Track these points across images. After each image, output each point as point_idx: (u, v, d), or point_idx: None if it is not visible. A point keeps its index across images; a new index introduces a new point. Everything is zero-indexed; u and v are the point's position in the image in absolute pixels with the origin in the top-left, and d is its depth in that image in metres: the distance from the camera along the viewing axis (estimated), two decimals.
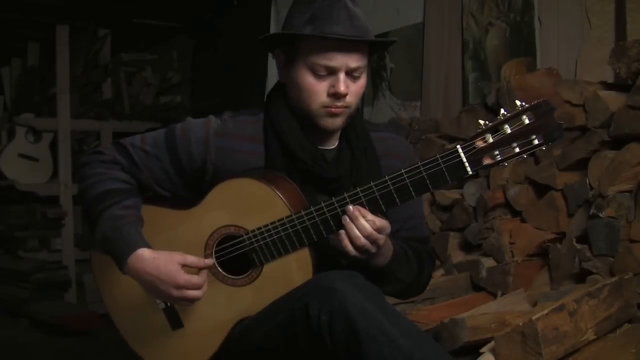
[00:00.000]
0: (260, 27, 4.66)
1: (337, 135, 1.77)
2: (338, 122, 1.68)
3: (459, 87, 3.43)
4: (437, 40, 3.55)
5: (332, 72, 1.63)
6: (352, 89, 1.65)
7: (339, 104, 1.65)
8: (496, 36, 3.24)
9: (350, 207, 1.55)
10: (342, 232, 1.56)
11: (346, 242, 1.56)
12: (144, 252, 1.63)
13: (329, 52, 1.61)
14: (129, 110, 5.71)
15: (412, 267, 1.75)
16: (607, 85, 2.50)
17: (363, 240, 1.54)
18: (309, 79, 1.65)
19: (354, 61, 1.63)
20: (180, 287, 1.60)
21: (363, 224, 1.54)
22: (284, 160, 1.70)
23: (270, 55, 3.95)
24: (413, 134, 3.20)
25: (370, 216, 1.54)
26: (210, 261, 1.66)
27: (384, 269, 1.66)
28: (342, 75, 1.63)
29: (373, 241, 1.56)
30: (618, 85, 2.45)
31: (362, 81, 1.68)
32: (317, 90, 1.65)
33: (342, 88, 1.62)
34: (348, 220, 1.55)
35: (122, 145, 1.79)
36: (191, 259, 1.63)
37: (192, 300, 1.64)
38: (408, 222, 1.83)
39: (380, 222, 1.55)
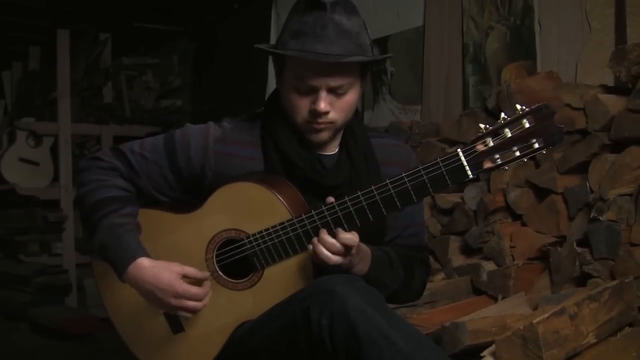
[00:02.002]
0: (261, 31, 4.67)
1: (337, 141, 1.76)
2: (323, 136, 1.68)
3: (460, 90, 3.43)
4: (437, 44, 3.56)
5: (312, 90, 1.61)
6: (336, 105, 1.63)
7: (320, 120, 1.63)
8: (496, 40, 3.25)
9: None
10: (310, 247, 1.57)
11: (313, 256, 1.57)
12: (144, 261, 1.63)
13: (308, 71, 1.59)
14: (130, 114, 5.72)
15: (398, 273, 1.74)
16: (607, 89, 2.51)
17: (335, 259, 1.54)
18: (292, 95, 1.64)
19: (334, 80, 1.60)
20: (179, 295, 1.60)
21: (331, 242, 1.54)
22: (282, 167, 1.70)
23: (270, 59, 3.96)
24: (413, 137, 3.20)
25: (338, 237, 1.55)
26: (206, 273, 1.67)
27: (367, 276, 1.64)
28: (322, 94, 1.60)
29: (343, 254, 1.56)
30: (618, 89, 2.45)
31: (349, 97, 1.64)
32: (299, 106, 1.64)
33: (321, 106, 1.60)
34: (316, 241, 1.56)
35: (121, 151, 1.78)
36: (190, 270, 1.63)
37: (191, 311, 1.64)
38: (408, 229, 1.83)
39: (345, 240, 1.54)
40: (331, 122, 1.65)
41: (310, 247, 1.56)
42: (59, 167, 5.16)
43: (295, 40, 1.59)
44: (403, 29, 3.77)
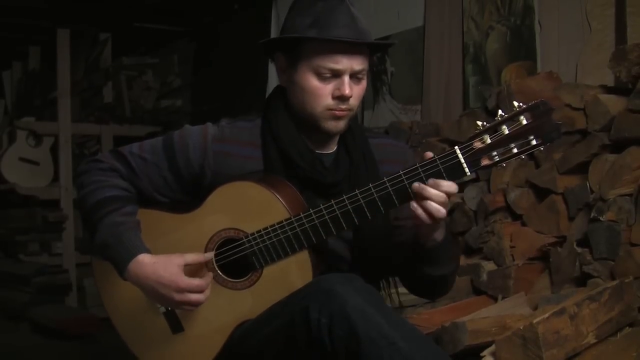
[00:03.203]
0: (261, 31, 4.67)
1: (336, 140, 1.77)
2: (341, 125, 1.69)
3: (460, 90, 3.43)
4: (437, 44, 3.56)
5: (336, 74, 1.63)
6: (355, 92, 1.66)
7: (343, 106, 1.65)
8: (497, 40, 3.25)
9: (416, 184, 1.49)
10: (416, 207, 1.50)
11: (423, 215, 1.50)
12: (144, 258, 1.63)
13: (335, 55, 1.62)
14: (130, 114, 5.73)
15: (456, 249, 1.74)
16: (607, 89, 2.50)
17: (443, 211, 1.49)
18: (313, 82, 1.65)
19: (358, 64, 1.64)
20: (182, 290, 1.60)
21: (438, 195, 1.49)
22: (282, 166, 1.71)
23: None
24: (414, 137, 3.20)
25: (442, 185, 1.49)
26: (210, 254, 1.67)
27: (442, 244, 1.62)
28: (346, 78, 1.63)
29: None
30: (618, 89, 2.45)
31: (364, 83, 1.69)
32: (322, 93, 1.65)
33: (347, 91, 1.63)
34: (423, 195, 1.49)
35: (121, 153, 1.79)
36: (190, 257, 1.63)
37: (195, 304, 1.63)
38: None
39: (449, 187, 1.49)
40: (350, 109, 1.67)
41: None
42: (59, 167, 5.16)
43: (316, 28, 1.61)
44: (403, 29, 3.77)
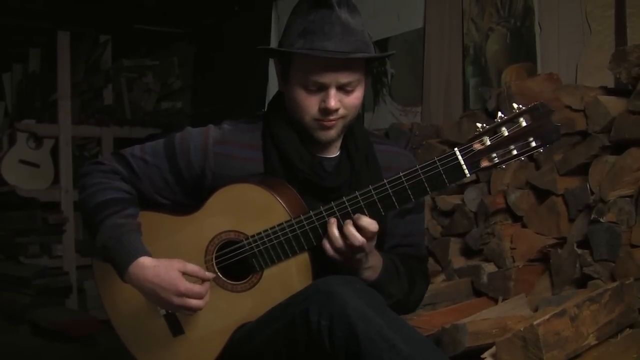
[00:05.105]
0: (261, 33, 4.68)
1: (338, 144, 1.77)
2: (332, 134, 1.68)
3: (460, 92, 3.43)
4: (437, 46, 3.56)
5: (322, 87, 1.62)
6: (345, 102, 1.64)
7: (330, 117, 1.64)
8: (497, 41, 3.25)
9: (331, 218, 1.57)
10: (324, 240, 1.58)
11: (327, 246, 1.57)
12: (145, 260, 1.63)
13: (318, 68, 1.60)
14: (130, 116, 5.72)
15: (402, 284, 1.74)
16: (607, 90, 2.50)
17: (340, 242, 1.55)
18: (300, 93, 1.64)
19: (344, 77, 1.61)
20: (181, 294, 1.59)
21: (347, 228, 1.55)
22: (282, 169, 1.71)
23: (271, 61, 3.97)
24: (414, 139, 3.20)
25: (354, 221, 1.55)
26: (210, 274, 1.66)
27: (374, 283, 1.64)
28: (332, 91, 1.62)
29: (354, 243, 1.55)
30: (618, 90, 2.45)
31: (357, 93, 1.66)
32: (308, 104, 1.64)
33: (332, 104, 1.61)
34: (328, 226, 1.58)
35: (122, 155, 1.79)
36: (191, 268, 1.63)
37: (194, 309, 1.63)
38: (408, 238, 1.83)
39: (364, 221, 1.54)
40: (342, 117, 1.66)
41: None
42: (59, 169, 5.16)
43: (304, 39, 1.59)
44: (403, 31, 3.77)
